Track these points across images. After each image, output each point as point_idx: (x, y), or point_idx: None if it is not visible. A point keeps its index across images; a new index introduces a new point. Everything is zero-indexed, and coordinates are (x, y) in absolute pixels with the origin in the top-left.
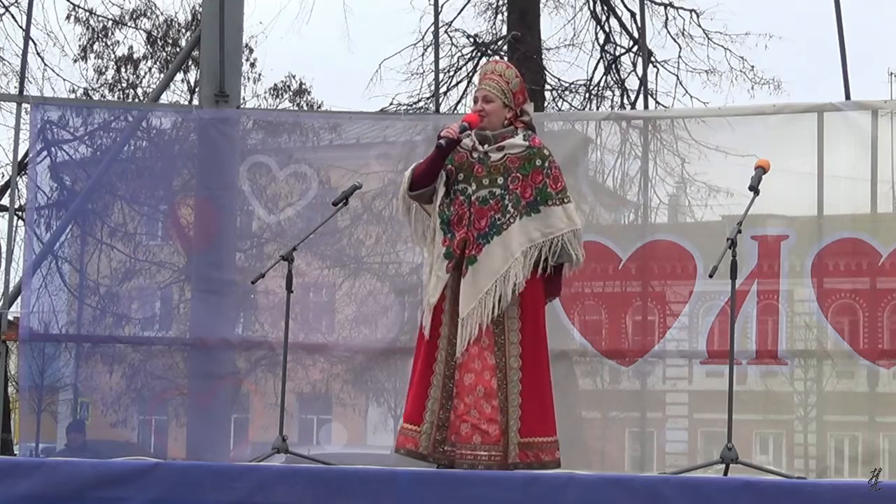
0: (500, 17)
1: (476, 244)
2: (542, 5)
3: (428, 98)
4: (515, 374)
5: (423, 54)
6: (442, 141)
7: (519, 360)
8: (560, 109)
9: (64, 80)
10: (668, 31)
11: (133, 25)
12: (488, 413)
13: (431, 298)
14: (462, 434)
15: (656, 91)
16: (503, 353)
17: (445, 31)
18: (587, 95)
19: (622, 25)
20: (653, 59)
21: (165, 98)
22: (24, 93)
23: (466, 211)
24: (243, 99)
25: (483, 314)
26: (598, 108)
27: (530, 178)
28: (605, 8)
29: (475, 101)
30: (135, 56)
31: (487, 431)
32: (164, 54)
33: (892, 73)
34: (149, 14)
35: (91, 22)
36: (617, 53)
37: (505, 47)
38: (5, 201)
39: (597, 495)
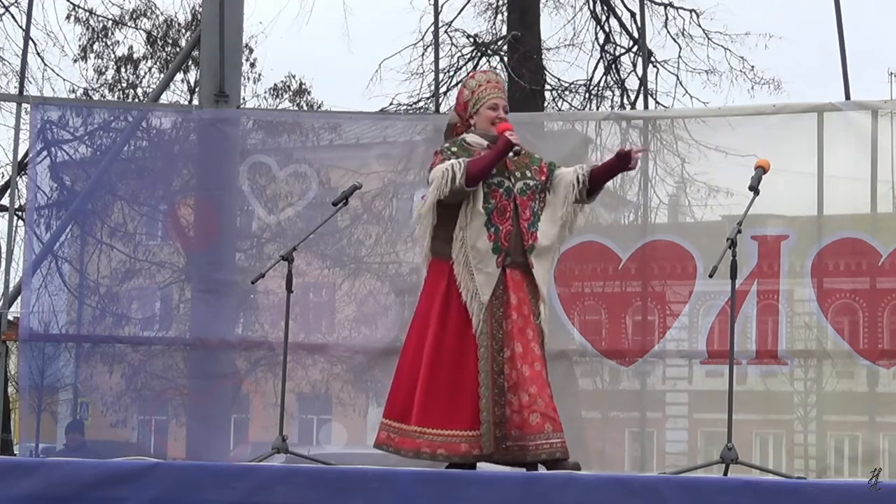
0: (500, 17)
1: (530, 233)
2: (542, 5)
3: (428, 98)
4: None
5: (423, 54)
6: (518, 147)
7: (541, 349)
8: (560, 109)
9: (64, 80)
10: (668, 31)
11: (133, 25)
12: (552, 402)
13: (483, 297)
14: (533, 425)
15: (656, 91)
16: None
17: (445, 31)
18: (587, 95)
19: (622, 25)
20: (653, 59)
21: (165, 98)
22: (24, 93)
23: (510, 204)
24: (243, 99)
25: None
26: (598, 108)
27: (538, 165)
28: (605, 8)
29: (495, 108)
30: (135, 56)
31: (555, 419)
32: (164, 54)
33: (892, 73)
34: (149, 14)
35: (91, 22)
36: (617, 53)
37: (505, 47)
38: (5, 201)
39: (597, 495)
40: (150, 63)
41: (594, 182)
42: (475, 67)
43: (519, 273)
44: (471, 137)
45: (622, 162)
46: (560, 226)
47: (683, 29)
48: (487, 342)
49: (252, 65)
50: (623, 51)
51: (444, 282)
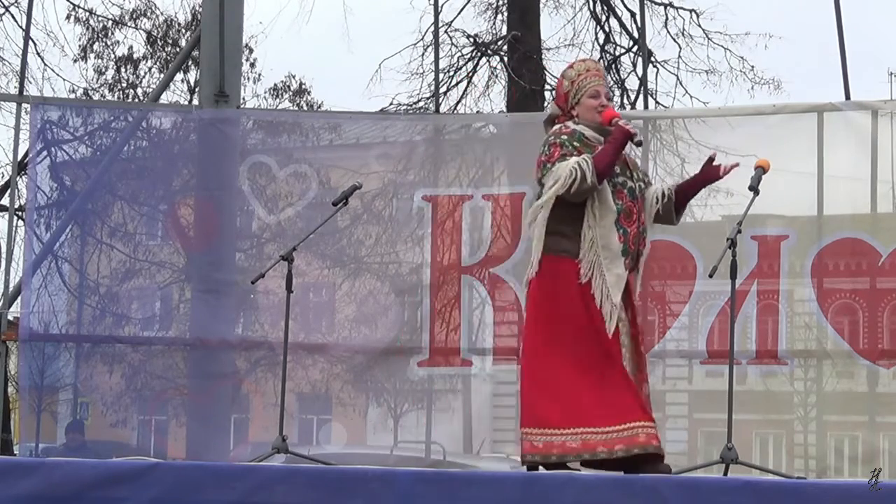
0: (500, 17)
1: (642, 238)
2: (542, 5)
3: (428, 98)
4: None
5: (423, 54)
6: (638, 135)
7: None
8: None
9: (64, 80)
10: (668, 31)
11: (133, 25)
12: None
13: (615, 298)
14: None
15: (656, 91)
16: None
17: (445, 31)
18: None
19: (622, 25)
20: (653, 59)
21: (165, 98)
22: (24, 93)
23: (634, 206)
24: (243, 99)
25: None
26: None
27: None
28: (605, 8)
29: (596, 96)
30: (135, 56)
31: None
32: (164, 54)
33: (892, 73)
34: (149, 14)
35: (91, 22)
36: (617, 53)
37: (505, 47)
38: (5, 201)
39: (597, 495)
40: (150, 63)
41: (679, 198)
42: (475, 67)
43: (632, 277)
44: (588, 132)
45: (710, 174)
46: None
47: (683, 29)
48: (630, 345)
49: (252, 65)
50: (623, 51)
51: (570, 281)
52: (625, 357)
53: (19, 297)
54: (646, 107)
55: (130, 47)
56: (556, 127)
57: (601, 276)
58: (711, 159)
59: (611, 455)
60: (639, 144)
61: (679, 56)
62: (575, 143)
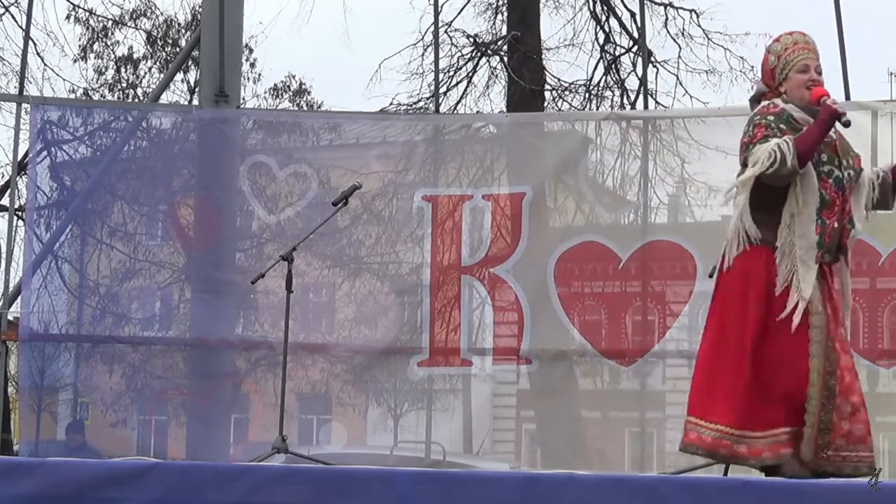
0: (500, 17)
1: (844, 231)
2: (542, 5)
3: (428, 98)
4: None
5: (423, 54)
6: (846, 116)
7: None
8: (560, 109)
9: (64, 80)
10: (668, 31)
11: (133, 25)
12: (867, 414)
13: (805, 293)
14: (858, 436)
15: (656, 91)
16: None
17: (445, 31)
18: (587, 95)
19: (622, 25)
20: (653, 59)
21: (165, 98)
22: (24, 93)
23: (838, 196)
24: (243, 99)
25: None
26: (598, 108)
27: (854, 152)
28: (605, 8)
29: (805, 70)
30: (135, 56)
31: (870, 432)
32: (164, 54)
33: (892, 73)
34: (149, 14)
35: (91, 22)
36: (617, 53)
37: (505, 47)
38: (5, 201)
39: (597, 495)
40: (150, 63)
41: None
42: (475, 67)
43: (828, 272)
44: (797, 112)
45: None
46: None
47: (683, 29)
48: (822, 340)
49: (252, 65)
50: (623, 51)
51: (764, 270)
52: (813, 354)
53: (19, 297)
54: (646, 107)
55: (130, 47)
56: (763, 104)
57: (795, 268)
58: None
59: (763, 462)
60: (846, 125)
61: (679, 56)
62: (781, 126)
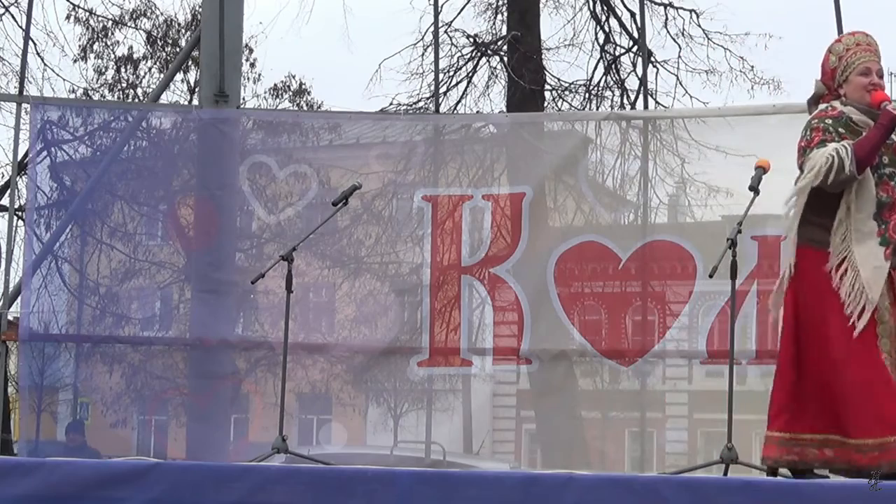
0: (500, 17)
1: None
2: (542, 5)
3: (428, 98)
4: None
5: (422, 54)
6: None
7: None
8: (560, 109)
9: (64, 80)
10: (668, 31)
11: (133, 25)
12: None
13: (873, 294)
14: None
15: (656, 91)
16: None
17: (445, 31)
18: (587, 95)
19: (622, 25)
20: (653, 59)
21: (165, 98)
22: (24, 93)
23: None
24: (243, 99)
25: None
26: (598, 108)
27: None
28: (605, 8)
29: (867, 73)
30: (135, 56)
31: None
32: (164, 54)
33: (892, 73)
34: (149, 14)
35: (91, 22)
36: (617, 53)
37: (505, 47)
38: (5, 201)
39: (597, 495)
40: (150, 63)
41: None
42: (475, 67)
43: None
44: (856, 115)
45: None
46: None
47: (683, 29)
48: (891, 340)
49: (252, 65)
50: (623, 51)
51: (820, 275)
52: (887, 359)
53: (19, 297)
54: (646, 107)
55: (130, 47)
56: (822, 107)
57: (854, 271)
58: None
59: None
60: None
61: (679, 56)
62: (840, 130)
